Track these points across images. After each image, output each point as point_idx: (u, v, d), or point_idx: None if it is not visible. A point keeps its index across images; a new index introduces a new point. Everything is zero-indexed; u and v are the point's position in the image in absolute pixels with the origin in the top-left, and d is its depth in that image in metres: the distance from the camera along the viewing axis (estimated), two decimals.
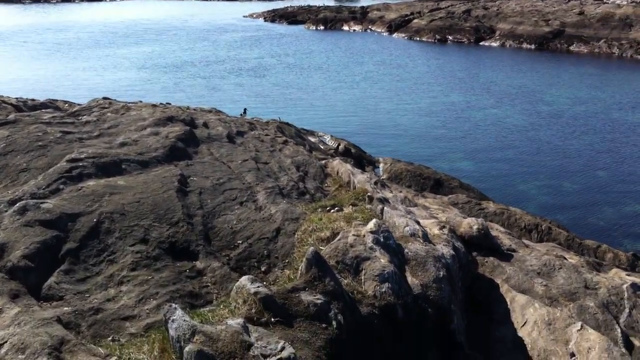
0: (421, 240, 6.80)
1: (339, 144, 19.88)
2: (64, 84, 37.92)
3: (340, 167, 10.36)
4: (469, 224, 8.22)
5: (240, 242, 6.94)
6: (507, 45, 58.19)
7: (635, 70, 45.81)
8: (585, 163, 23.29)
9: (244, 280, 5.11)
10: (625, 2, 58.83)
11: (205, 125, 11.09)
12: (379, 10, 78.27)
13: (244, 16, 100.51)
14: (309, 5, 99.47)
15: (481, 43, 59.95)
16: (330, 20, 77.19)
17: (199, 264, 6.30)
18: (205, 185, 7.99)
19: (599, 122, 29.39)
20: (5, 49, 56.96)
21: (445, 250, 6.88)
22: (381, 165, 19.50)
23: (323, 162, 12.02)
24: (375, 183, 9.79)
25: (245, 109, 20.45)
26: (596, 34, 54.18)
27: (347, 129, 27.16)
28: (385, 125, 28.53)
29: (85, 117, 10.43)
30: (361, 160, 19.19)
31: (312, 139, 19.76)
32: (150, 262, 6.11)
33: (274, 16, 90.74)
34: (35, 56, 52.18)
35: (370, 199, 8.00)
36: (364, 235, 6.27)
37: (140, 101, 16.07)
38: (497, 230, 9.65)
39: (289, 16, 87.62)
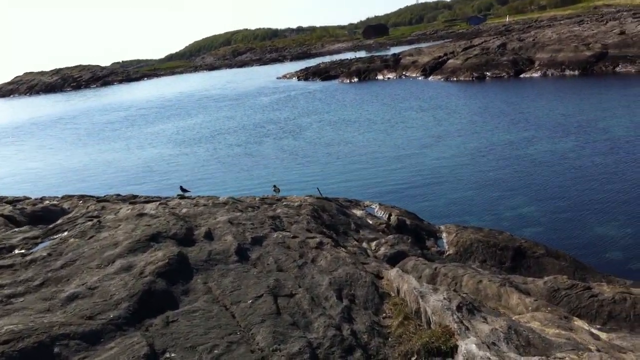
0: None
1: (390, 215, 16.64)
2: (90, 169, 36.60)
3: (401, 282, 7.12)
4: None
5: None
6: (549, 75, 54.59)
7: None
8: None
9: None
10: None
11: (208, 235, 8.15)
12: (411, 56, 76.07)
13: (277, 77, 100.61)
14: (340, 60, 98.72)
15: (521, 75, 56.46)
16: (364, 71, 75.41)
17: None
18: None
19: None
20: (40, 141, 57.44)
21: None
22: (444, 235, 16.03)
23: (373, 265, 8.84)
24: (459, 308, 6.48)
25: (275, 187, 17.51)
26: None
27: (394, 191, 23.98)
28: (434, 178, 25.10)
29: (41, 248, 7.64)
30: (419, 232, 15.82)
31: (358, 212, 16.64)
32: None
33: (307, 74, 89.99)
34: (71, 142, 52.06)
35: None
36: None
37: (136, 196, 13.46)
38: None
39: (322, 72, 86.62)
